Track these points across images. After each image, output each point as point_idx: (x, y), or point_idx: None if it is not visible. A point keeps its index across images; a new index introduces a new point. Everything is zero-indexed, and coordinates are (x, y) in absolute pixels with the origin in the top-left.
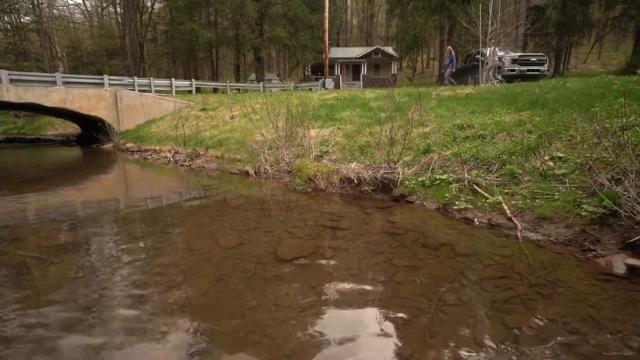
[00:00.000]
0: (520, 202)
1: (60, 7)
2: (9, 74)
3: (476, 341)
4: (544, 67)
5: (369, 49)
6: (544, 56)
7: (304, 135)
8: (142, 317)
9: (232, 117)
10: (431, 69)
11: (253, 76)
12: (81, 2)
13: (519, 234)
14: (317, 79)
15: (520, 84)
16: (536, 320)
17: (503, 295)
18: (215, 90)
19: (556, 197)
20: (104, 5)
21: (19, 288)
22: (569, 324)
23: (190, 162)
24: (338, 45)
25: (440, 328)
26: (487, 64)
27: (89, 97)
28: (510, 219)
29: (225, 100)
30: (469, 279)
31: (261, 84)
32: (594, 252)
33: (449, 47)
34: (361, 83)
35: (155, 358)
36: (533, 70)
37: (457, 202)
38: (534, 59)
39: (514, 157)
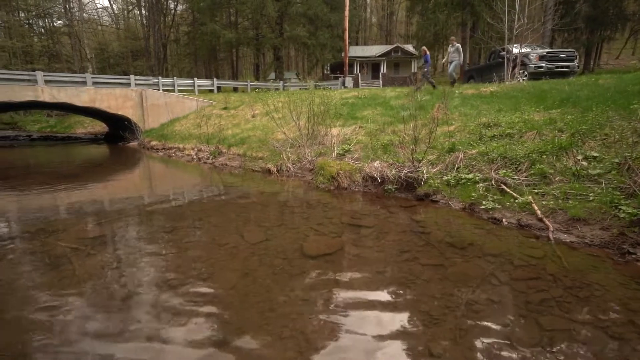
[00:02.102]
0: (552, 202)
1: (90, 11)
2: (44, 75)
3: (510, 341)
4: (574, 64)
5: (388, 47)
6: (574, 52)
7: (326, 133)
8: (173, 308)
9: (253, 116)
10: None
11: (272, 75)
12: (109, 5)
13: (550, 235)
14: (335, 78)
15: (548, 82)
16: (574, 323)
17: (537, 297)
18: (235, 89)
19: (591, 198)
20: (130, 8)
21: (62, 277)
22: (610, 329)
23: (214, 160)
24: (357, 44)
25: (472, 327)
26: (512, 61)
27: (117, 97)
28: (541, 220)
29: (247, 99)
30: (499, 279)
31: (281, 82)
32: (633, 256)
33: (423, 48)
34: (380, 82)
35: (187, 348)
36: (562, 67)
37: (484, 202)
38: (563, 55)
39: (544, 156)
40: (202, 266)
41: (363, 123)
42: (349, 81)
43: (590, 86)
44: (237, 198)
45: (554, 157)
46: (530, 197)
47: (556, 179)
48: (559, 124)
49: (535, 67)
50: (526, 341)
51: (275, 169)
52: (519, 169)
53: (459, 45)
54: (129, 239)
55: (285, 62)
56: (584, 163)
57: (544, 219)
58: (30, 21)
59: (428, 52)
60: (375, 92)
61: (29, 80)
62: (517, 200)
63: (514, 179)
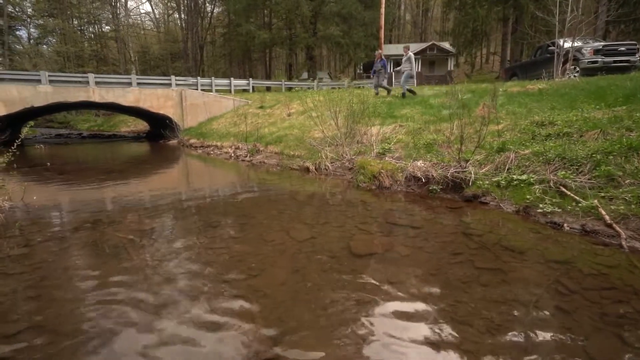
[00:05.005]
0: (622, 207)
1: (134, 16)
2: (94, 77)
3: (588, 355)
4: (635, 58)
5: (423, 45)
6: (635, 45)
7: (365, 132)
8: (226, 301)
9: (289, 115)
10: (491, 64)
11: (305, 75)
12: (151, 10)
13: (623, 242)
14: (368, 77)
15: (605, 77)
16: None
17: (615, 309)
18: (267, 89)
19: None
20: (170, 12)
21: (122, 265)
22: None
23: (251, 158)
24: (390, 42)
25: (542, 337)
26: (562, 56)
27: (158, 97)
28: (610, 226)
29: (282, 99)
30: (567, 287)
31: (315, 82)
32: None
33: (379, 52)
34: (415, 80)
35: (241, 342)
36: (620, 62)
37: (541, 205)
38: (622, 48)
39: (610, 157)
40: (251, 261)
41: (403, 122)
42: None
43: None
44: (278, 195)
45: (623, 158)
46: (595, 200)
47: (626, 181)
48: (627, 122)
49: (589, 62)
50: (607, 355)
51: (314, 168)
52: (580, 170)
53: (412, 55)
54: (178, 232)
55: (317, 62)
56: None
57: (614, 225)
58: (82, 28)
59: (383, 57)
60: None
61: (81, 82)
62: (580, 204)
63: (574, 181)
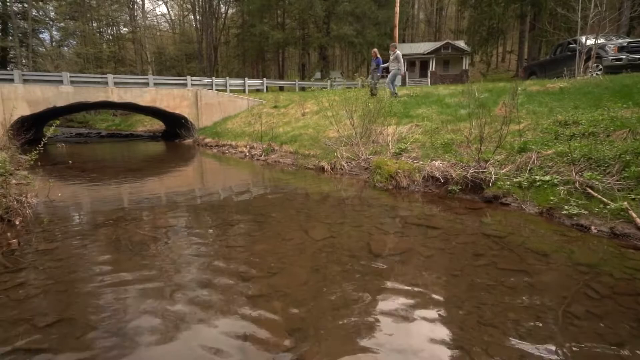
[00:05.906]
0: None
1: (150, 18)
2: (113, 78)
3: None
4: None
5: (437, 44)
6: None
7: (381, 132)
8: (248, 300)
9: (303, 114)
10: (507, 63)
11: (318, 74)
12: (167, 12)
13: None
14: (383, 77)
15: (630, 75)
16: None
17: None
18: (280, 88)
19: None
20: (185, 13)
21: (145, 262)
22: None
23: (266, 157)
24: (404, 41)
25: (573, 342)
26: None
27: (174, 97)
28: None
29: (296, 98)
30: (598, 291)
31: (329, 81)
32: None
33: (374, 50)
34: (429, 80)
35: (266, 343)
36: None
37: (566, 207)
38: None
39: None
40: (271, 260)
41: (419, 121)
42: (398, 79)
43: None
44: (294, 194)
45: None
46: (625, 203)
47: None
48: None
49: (613, 59)
50: None
51: (329, 167)
52: (608, 171)
53: (399, 53)
54: (197, 230)
55: (330, 62)
56: None
57: None
58: (101, 30)
59: (379, 56)
60: (428, 90)
61: (100, 83)
62: (608, 206)
63: (602, 182)
